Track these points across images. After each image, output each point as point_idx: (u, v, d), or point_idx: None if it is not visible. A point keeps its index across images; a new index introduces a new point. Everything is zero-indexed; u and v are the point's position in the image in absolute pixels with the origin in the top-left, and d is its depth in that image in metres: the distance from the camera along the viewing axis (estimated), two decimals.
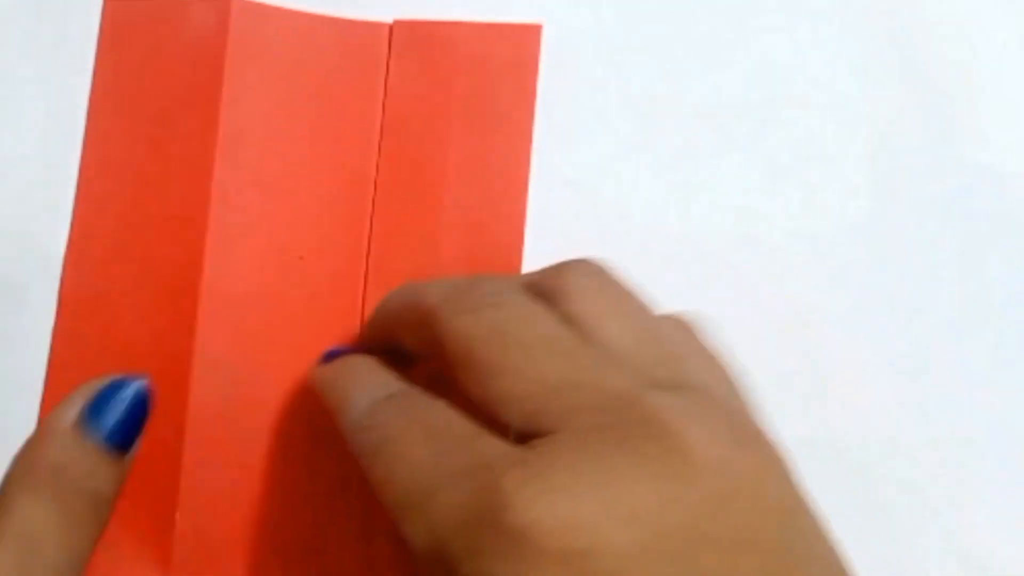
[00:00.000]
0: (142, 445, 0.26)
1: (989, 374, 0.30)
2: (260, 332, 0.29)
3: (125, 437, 0.26)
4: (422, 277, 0.30)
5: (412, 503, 0.21)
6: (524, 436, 0.21)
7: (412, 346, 0.26)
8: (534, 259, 0.30)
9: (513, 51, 0.31)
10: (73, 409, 0.25)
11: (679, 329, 0.24)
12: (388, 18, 0.31)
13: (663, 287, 0.31)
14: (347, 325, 0.30)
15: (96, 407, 0.25)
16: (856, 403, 0.30)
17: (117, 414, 0.25)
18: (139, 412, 0.26)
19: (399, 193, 0.30)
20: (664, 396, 0.20)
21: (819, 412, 0.30)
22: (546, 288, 0.24)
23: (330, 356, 0.28)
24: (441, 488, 0.20)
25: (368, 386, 0.25)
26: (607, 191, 0.31)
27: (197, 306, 0.29)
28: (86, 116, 0.30)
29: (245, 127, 0.30)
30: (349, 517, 0.28)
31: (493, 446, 0.21)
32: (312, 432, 0.29)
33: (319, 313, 0.29)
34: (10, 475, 0.25)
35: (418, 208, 0.30)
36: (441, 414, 0.23)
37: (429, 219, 0.30)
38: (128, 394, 0.26)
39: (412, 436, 0.22)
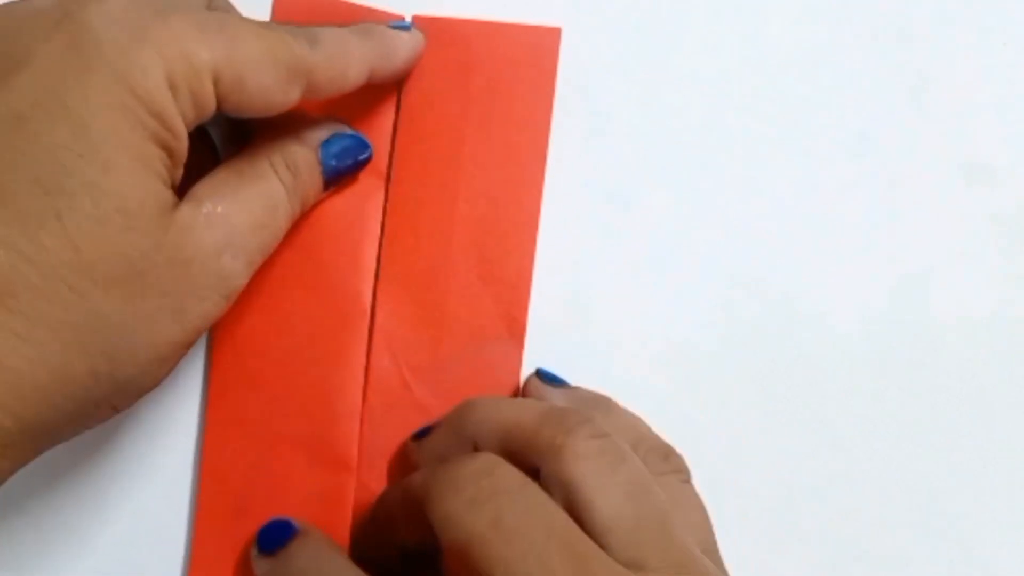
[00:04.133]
0: None
1: (991, 373, 0.31)
2: (269, 328, 0.29)
3: (335, 176, 0.29)
4: (433, 274, 0.30)
5: None
6: None
7: (412, 542, 0.26)
8: (546, 261, 0.31)
9: (532, 53, 0.31)
10: (326, 132, 0.29)
11: (658, 468, 0.26)
12: (407, 13, 0.31)
13: (675, 287, 0.32)
14: (354, 321, 0.30)
15: (336, 142, 0.29)
16: (855, 406, 0.31)
17: (347, 160, 0.29)
18: (356, 166, 0.30)
19: (412, 189, 0.30)
20: None
21: (821, 413, 0.31)
22: (546, 446, 0.24)
23: (268, 542, 0.27)
24: None
25: None
26: (621, 195, 0.32)
27: None
28: None
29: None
30: None
31: None
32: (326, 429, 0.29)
33: (329, 309, 0.30)
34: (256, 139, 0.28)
35: (431, 205, 0.30)
36: None
37: (442, 216, 0.30)
38: (363, 154, 0.29)
39: None
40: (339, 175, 0.29)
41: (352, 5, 0.31)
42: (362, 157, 0.29)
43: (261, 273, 0.29)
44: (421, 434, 0.28)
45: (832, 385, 0.31)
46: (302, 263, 0.30)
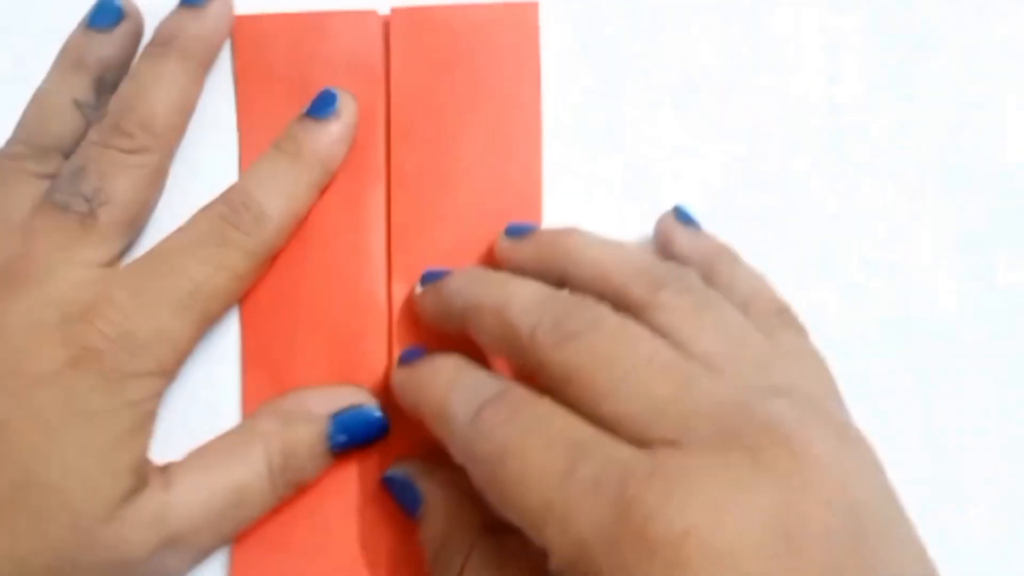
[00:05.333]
0: None
1: (993, 372, 0.31)
2: (286, 320, 0.30)
3: (344, 449, 0.29)
4: (445, 255, 0.30)
5: (549, 518, 0.21)
6: (642, 445, 0.21)
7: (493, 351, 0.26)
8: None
9: (512, 30, 0.31)
10: (339, 403, 0.29)
11: (768, 324, 0.26)
12: (385, 6, 0.32)
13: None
14: (372, 316, 0.30)
15: (346, 423, 0.28)
16: (855, 407, 0.31)
17: (355, 437, 0.28)
18: (368, 439, 0.29)
19: (412, 182, 0.31)
20: (774, 403, 0.22)
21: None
22: (636, 301, 0.24)
23: (407, 358, 0.28)
24: (576, 500, 0.20)
25: (466, 389, 0.24)
26: (618, 155, 0.32)
27: None
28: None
29: (262, 132, 0.31)
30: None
31: (619, 451, 0.21)
32: None
33: (346, 308, 0.30)
34: (258, 416, 0.29)
35: (433, 194, 0.31)
36: (554, 416, 0.22)
37: (445, 204, 0.31)
38: (373, 429, 0.29)
39: (532, 445, 0.22)
40: (351, 446, 0.29)
41: (314, 15, 0.31)
42: (375, 432, 0.29)
43: (275, 284, 0.30)
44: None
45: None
46: (315, 267, 0.30)
